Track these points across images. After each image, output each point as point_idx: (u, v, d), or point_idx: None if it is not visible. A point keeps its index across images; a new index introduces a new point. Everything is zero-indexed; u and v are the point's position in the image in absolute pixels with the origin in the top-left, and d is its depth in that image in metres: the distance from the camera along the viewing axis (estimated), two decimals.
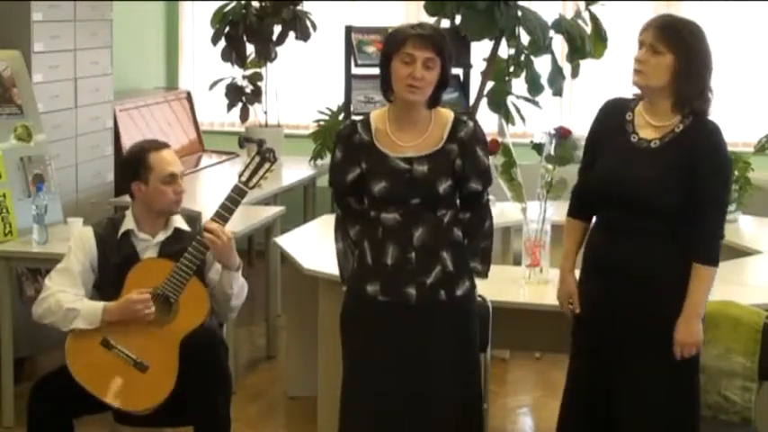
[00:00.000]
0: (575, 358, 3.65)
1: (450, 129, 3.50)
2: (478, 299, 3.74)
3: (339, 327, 3.63)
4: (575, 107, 7.95)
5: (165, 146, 4.08)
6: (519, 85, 6.18)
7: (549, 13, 6.13)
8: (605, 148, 3.55)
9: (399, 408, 3.49)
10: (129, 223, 4.03)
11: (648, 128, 3.50)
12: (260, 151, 3.98)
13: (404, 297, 3.48)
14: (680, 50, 3.40)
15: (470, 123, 3.53)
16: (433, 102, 3.50)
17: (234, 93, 7.61)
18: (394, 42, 3.45)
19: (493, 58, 6.12)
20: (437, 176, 3.46)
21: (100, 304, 3.88)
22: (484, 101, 6.21)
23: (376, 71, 6.41)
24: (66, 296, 3.90)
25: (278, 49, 7.50)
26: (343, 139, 3.58)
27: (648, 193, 3.43)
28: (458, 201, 3.56)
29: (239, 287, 4.01)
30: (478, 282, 3.64)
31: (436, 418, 3.50)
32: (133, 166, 4.01)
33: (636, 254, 3.45)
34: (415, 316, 3.49)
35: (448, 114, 3.54)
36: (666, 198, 3.42)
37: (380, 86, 3.54)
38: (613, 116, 3.57)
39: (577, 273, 3.65)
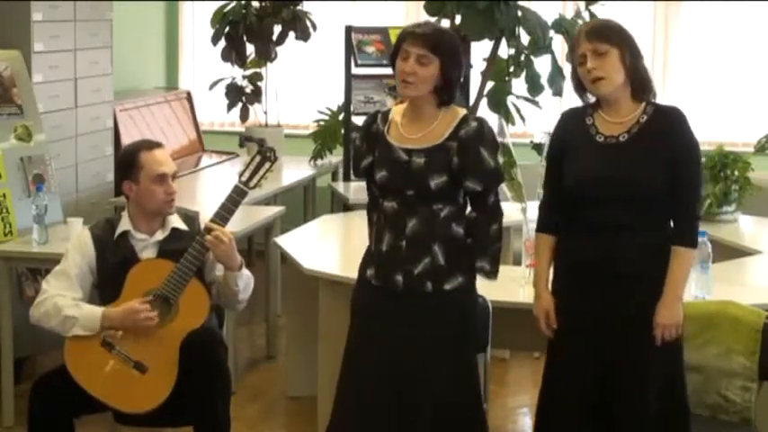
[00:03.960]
0: (558, 364, 3.62)
1: (454, 127, 3.53)
2: (478, 299, 3.75)
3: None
4: None
5: (157, 145, 4.06)
6: (519, 85, 6.17)
7: (549, 13, 6.12)
8: (572, 155, 3.55)
9: (383, 394, 3.52)
10: (125, 224, 4.02)
11: (612, 126, 3.52)
12: (260, 151, 3.97)
13: (392, 283, 3.54)
14: (620, 42, 3.46)
15: (473, 123, 3.54)
16: (441, 101, 3.55)
17: (234, 93, 7.60)
18: (397, 41, 3.57)
19: (493, 58, 6.12)
20: (431, 171, 3.50)
21: (98, 311, 3.87)
22: (484, 101, 6.21)
23: (376, 71, 6.51)
24: (65, 301, 3.89)
25: (278, 49, 7.49)
26: (363, 128, 3.69)
27: (630, 185, 3.43)
28: (460, 198, 3.57)
29: (245, 283, 4.00)
30: (479, 281, 3.64)
31: (422, 409, 3.51)
32: (124, 165, 4.02)
33: (623, 248, 3.44)
34: (401, 303, 3.54)
35: (458, 113, 3.58)
36: (647, 186, 3.43)
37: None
38: (573, 123, 3.59)
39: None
